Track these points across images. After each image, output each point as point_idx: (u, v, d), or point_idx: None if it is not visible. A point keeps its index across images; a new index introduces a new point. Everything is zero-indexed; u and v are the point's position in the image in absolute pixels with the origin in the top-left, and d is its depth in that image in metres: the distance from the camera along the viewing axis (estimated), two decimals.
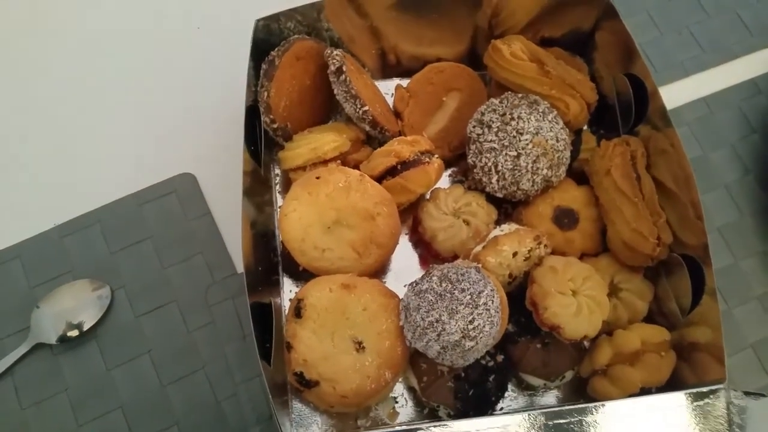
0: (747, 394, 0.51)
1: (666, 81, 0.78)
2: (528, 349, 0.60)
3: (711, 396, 0.52)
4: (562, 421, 0.49)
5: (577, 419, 0.49)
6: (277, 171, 0.71)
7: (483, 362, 0.60)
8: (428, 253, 0.68)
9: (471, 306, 0.54)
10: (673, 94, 0.78)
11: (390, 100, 0.74)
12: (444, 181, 0.73)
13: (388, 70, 0.77)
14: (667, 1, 0.83)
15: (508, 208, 0.70)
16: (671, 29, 0.81)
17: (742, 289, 0.70)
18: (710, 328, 0.56)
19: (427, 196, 0.69)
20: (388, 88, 0.75)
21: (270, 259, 0.66)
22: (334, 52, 0.65)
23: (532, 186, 0.65)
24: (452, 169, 0.74)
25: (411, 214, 0.70)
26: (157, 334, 0.65)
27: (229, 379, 0.64)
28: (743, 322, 0.69)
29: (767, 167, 0.75)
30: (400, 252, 0.69)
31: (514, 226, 0.62)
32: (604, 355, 0.58)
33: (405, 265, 0.69)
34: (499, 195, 0.66)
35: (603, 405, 0.51)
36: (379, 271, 0.66)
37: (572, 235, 0.65)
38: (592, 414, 0.50)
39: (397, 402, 0.63)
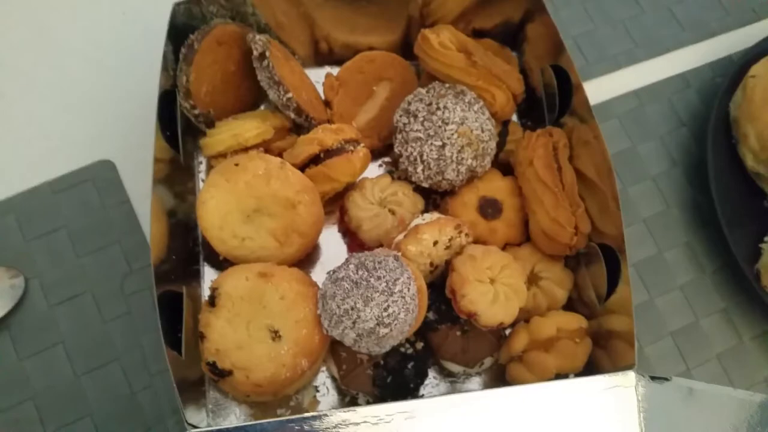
0: (653, 378, 0.52)
1: (598, 73, 0.79)
2: (447, 336, 0.60)
3: (621, 380, 0.52)
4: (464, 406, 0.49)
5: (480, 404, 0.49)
6: (202, 159, 0.70)
7: (402, 349, 0.60)
8: (354, 243, 0.67)
9: (386, 293, 0.53)
10: (605, 87, 0.79)
11: (321, 89, 0.74)
12: (376, 171, 0.72)
13: (320, 59, 0.76)
14: None
15: (437, 198, 0.70)
16: (605, 22, 0.82)
17: (666, 278, 0.71)
18: (624, 316, 0.57)
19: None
20: (319, 76, 0.74)
21: (190, 248, 0.65)
22: (257, 37, 0.64)
23: (457, 176, 0.65)
24: (384, 159, 0.73)
25: (339, 203, 0.69)
26: (72, 325, 0.63)
27: (144, 370, 0.62)
28: (665, 311, 0.70)
29: (694, 160, 0.76)
30: (329, 241, 0.69)
31: (435, 216, 0.62)
32: (520, 342, 0.58)
33: (333, 255, 0.68)
34: (425, 185, 0.66)
35: (510, 389, 0.51)
36: (303, 260, 0.65)
37: (496, 224, 0.65)
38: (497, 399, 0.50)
39: (318, 391, 0.63)
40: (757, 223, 0.72)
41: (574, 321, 0.60)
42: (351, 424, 0.48)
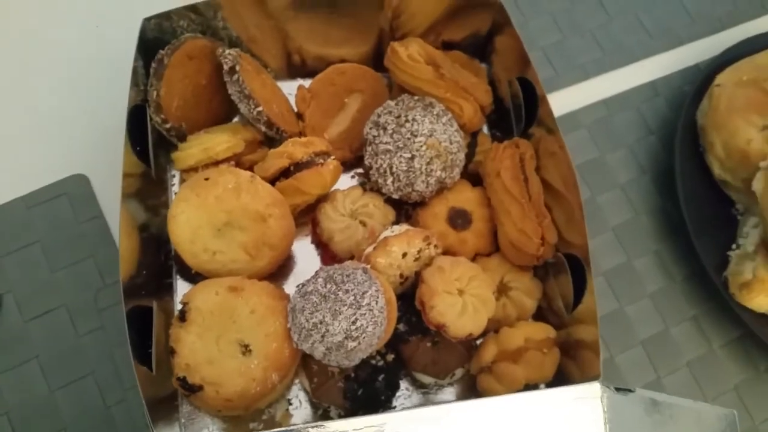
0: (617, 389, 0.52)
1: (567, 83, 0.80)
2: (418, 347, 0.61)
3: (587, 391, 0.53)
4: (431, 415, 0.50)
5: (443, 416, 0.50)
6: (175, 172, 0.70)
7: (373, 362, 0.61)
8: (326, 255, 0.68)
9: (354, 307, 0.54)
10: (574, 96, 0.80)
11: (293, 101, 0.74)
12: (348, 182, 0.73)
13: (292, 71, 0.76)
14: (570, 4, 0.84)
15: (408, 209, 0.71)
16: (574, 32, 0.83)
17: (635, 287, 0.72)
18: (591, 326, 0.58)
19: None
20: (292, 88, 0.75)
21: (163, 263, 0.65)
22: (227, 51, 0.65)
23: (427, 187, 0.65)
24: (356, 170, 0.74)
25: (312, 215, 0.69)
26: (46, 339, 0.64)
27: (118, 384, 0.63)
28: (635, 320, 0.71)
29: (662, 168, 0.77)
30: (301, 253, 0.69)
31: (404, 227, 0.63)
32: (489, 353, 0.59)
33: (306, 267, 0.69)
34: (395, 196, 0.67)
35: (479, 401, 0.52)
36: (276, 272, 0.66)
37: (466, 235, 0.66)
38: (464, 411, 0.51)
39: (291, 404, 0.63)
40: (725, 230, 0.73)
41: (542, 331, 0.61)
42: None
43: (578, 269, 0.60)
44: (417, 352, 0.61)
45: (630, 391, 0.52)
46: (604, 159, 0.77)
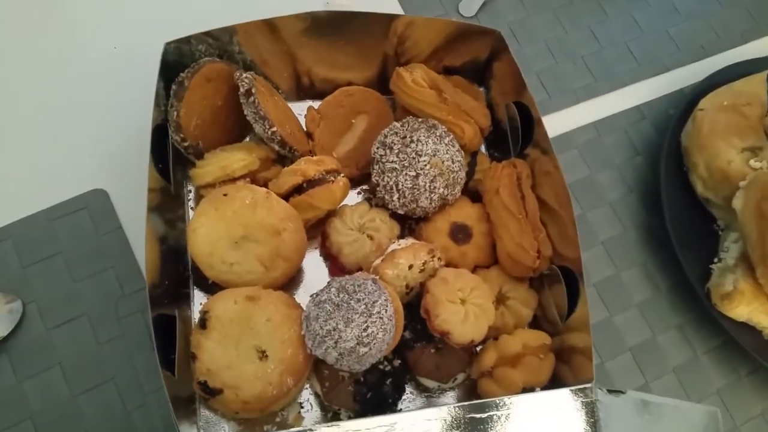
0: (610, 391, 0.57)
1: (560, 107, 0.85)
2: (423, 353, 0.65)
3: (580, 393, 0.57)
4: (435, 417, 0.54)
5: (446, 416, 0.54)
6: (191, 188, 0.74)
7: (381, 367, 0.65)
8: (335, 267, 0.72)
9: (365, 315, 0.58)
10: (566, 119, 0.85)
11: (303, 121, 0.79)
12: (355, 198, 0.77)
13: (301, 93, 0.81)
14: (563, 32, 0.90)
15: (412, 224, 0.75)
16: (567, 59, 0.89)
17: (624, 297, 0.77)
18: (584, 333, 0.62)
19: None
20: (301, 109, 0.79)
21: (181, 273, 0.69)
22: (243, 75, 0.69)
23: (430, 203, 0.70)
24: (362, 187, 0.78)
25: (321, 229, 0.73)
26: (68, 347, 0.67)
27: (138, 389, 0.66)
28: (623, 328, 0.76)
29: (649, 187, 0.83)
30: (311, 265, 0.73)
31: (410, 241, 0.67)
32: (489, 358, 0.63)
33: (315, 278, 0.73)
34: (401, 212, 0.71)
35: (480, 402, 0.56)
36: (287, 283, 0.70)
37: (466, 248, 0.70)
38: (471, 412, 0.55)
39: (302, 407, 0.67)
40: (707, 245, 0.78)
41: (539, 338, 0.65)
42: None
43: (571, 280, 0.65)
44: (422, 357, 0.65)
45: (621, 392, 0.57)
46: (593, 178, 0.82)
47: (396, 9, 0.88)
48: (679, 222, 0.77)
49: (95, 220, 0.72)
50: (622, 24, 0.92)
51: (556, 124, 0.84)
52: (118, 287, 0.70)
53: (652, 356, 0.75)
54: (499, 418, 0.55)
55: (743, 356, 0.75)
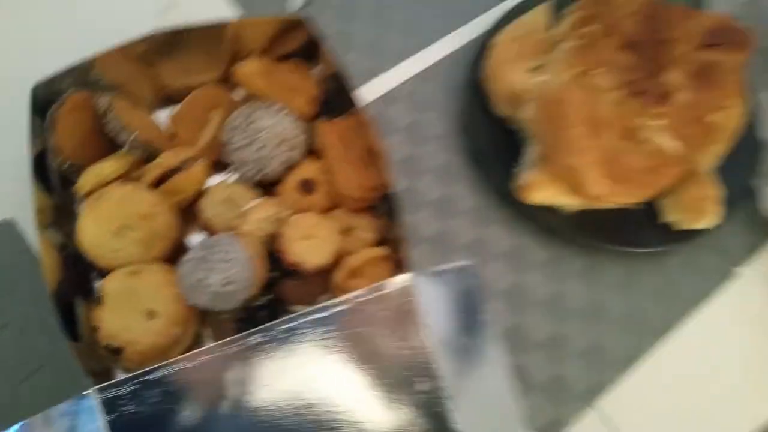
0: (429, 273, 0.71)
1: (385, 68, 1.00)
2: (288, 285, 0.80)
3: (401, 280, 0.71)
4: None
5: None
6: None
7: (255, 304, 0.79)
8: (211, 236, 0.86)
9: (224, 261, 0.72)
10: (391, 78, 1.00)
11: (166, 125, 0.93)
12: (218, 179, 0.91)
13: (163, 102, 0.95)
14: (382, 4, 1.05)
15: (269, 187, 0.89)
16: (387, 25, 1.04)
17: (452, 208, 0.93)
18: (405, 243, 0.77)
19: None
20: (165, 115, 0.93)
21: (84, 272, 0.83)
22: (100, 98, 0.83)
23: (278, 167, 0.84)
24: (226, 169, 0.92)
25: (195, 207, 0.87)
26: None
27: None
28: (453, 233, 0.91)
29: (464, 119, 0.98)
30: (192, 240, 0.87)
31: (263, 199, 0.82)
32: (340, 275, 0.78)
33: None
34: (256, 180, 0.85)
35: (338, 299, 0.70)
36: (173, 257, 0.83)
37: (313, 197, 0.85)
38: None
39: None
40: (511, 153, 0.93)
41: (376, 252, 0.80)
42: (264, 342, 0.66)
43: (392, 204, 0.79)
44: (288, 289, 0.79)
45: (438, 272, 0.71)
46: (420, 120, 0.97)
47: (229, 11, 1.02)
48: (486, 140, 0.93)
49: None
50: None
51: (385, 82, 0.99)
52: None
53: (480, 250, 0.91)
54: (343, 312, 0.70)
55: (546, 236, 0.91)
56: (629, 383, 0.86)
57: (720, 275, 0.93)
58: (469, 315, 0.70)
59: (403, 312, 0.69)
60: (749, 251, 0.95)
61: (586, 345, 0.87)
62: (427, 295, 0.69)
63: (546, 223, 0.90)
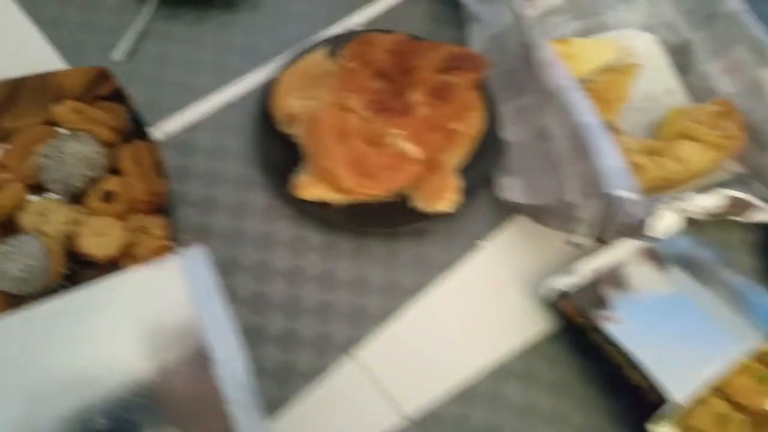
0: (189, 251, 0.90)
1: (185, 105, 1.23)
2: (85, 274, 0.98)
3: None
4: None
5: None
6: None
7: (57, 289, 0.97)
8: None
9: (20, 254, 0.91)
10: (191, 115, 1.22)
11: None
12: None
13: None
14: (193, 51, 1.28)
15: (81, 199, 1.08)
16: (194, 69, 1.26)
17: (241, 216, 1.13)
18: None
19: None
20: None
21: None
22: None
23: (83, 184, 1.04)
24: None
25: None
26: None
27: None
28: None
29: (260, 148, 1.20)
30: None
31: (66, 207, 1.01)
32: (127, 262, 0.97)
33: None
34: (68, 196, 1.05)
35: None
36: None
37: (114, 205, 1.04)
38: None
39: None
40: (293, 162, 1.15)
41: (162, 243, 0.99)
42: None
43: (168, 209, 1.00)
44: (85, 277, 0.98)
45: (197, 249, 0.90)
46: (221, 143, 1.19)
47: (57, 64, 1.23)
48: (275, 152, 1.15)
49: None
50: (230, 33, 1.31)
51: (193, 113, 1.21)
52: None
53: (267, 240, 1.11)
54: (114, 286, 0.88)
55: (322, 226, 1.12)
56: (384, 336, 1.06)
57: (466, 248, 1.15)
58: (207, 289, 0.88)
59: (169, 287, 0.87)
60: (490, 228, 1.18)
61: (351, 308, 1.07)
62: (186, 273, 0.88)
63: (320, 215, 1.11)
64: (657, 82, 1.35)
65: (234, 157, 1.18)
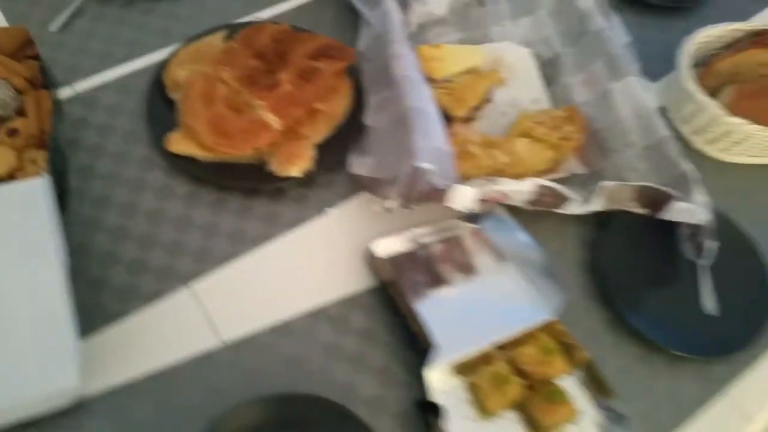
0: None
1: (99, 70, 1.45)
2: None
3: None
4: None
5: None
6: None
7: None
8: None
9: None
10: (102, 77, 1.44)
11: None
12: None
13: None
14: (122, 30, 1.51)
15: None
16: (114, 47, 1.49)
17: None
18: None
19: None
20: None
21: None
22: None
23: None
24: None
25: None
26: None
27: None
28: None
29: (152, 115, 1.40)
30: None
31: None
32: None
33: None
34: None
35: None
36: None
37: (16, 140, 1.25)
38: None
39: None
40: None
41: (42, 163, 1.19)
42: None
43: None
44: None
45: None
46: (118, 102, 1.40)
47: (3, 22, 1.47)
48: (161, 114, 1.35)
49: None
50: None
51: (98, 80, 1.43)
52: None
53: (140, 186, 1.30)
54: None
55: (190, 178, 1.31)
56: (221, 274, 1.22)
57: (314, 212, 1.31)
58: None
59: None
60: (340, 199, 1.34)
61: (198, 248, 1.24)
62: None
63: (187, 168, 1.30)
64: (526, 91, 1.50)
65: (128, 114, 1.39)
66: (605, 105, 1.38)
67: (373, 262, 1.22)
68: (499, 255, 1.24)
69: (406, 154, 1.16)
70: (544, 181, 1.21)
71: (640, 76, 1.39)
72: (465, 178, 1.22)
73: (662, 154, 1.27)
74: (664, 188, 1.20)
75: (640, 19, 1.73)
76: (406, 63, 1.28)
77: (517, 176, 1.34)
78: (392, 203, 1.17)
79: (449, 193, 1.14)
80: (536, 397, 1.10)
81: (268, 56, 1.36)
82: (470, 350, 1.10)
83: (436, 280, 1.19)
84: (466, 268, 1.22)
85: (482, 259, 1.24)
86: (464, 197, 1.15)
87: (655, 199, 1.22)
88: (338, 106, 1.36)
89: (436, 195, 1.15)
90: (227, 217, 1.29)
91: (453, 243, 1.25)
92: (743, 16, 1.74)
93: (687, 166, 1.24)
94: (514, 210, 1.27)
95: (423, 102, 1.25)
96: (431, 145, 1.18)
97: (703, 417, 1.16)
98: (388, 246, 1.22)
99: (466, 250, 1.25)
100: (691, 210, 1.19)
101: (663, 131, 1.28)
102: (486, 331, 1.13)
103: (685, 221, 1.21)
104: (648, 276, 1.28)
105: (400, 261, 1.20)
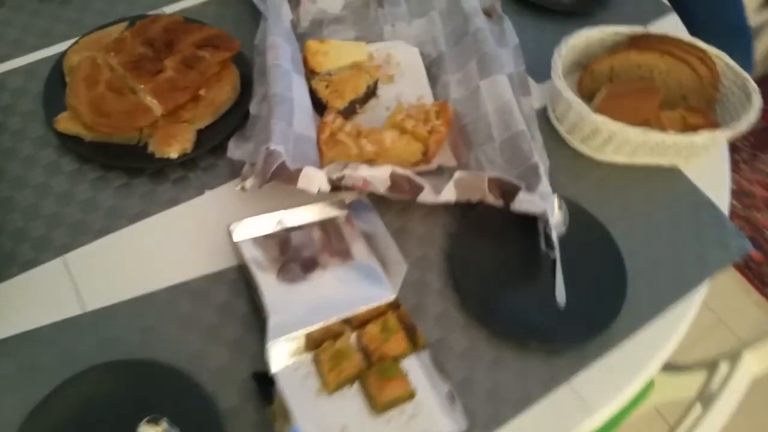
0: None
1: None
2: None
3: None
4: None
5: None
6: None
7: None
8: None
9: None
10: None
11: None
12: None
13: None
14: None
15: None
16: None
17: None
18: None
19: None
20: None
21: None
22: None
23: None
24: None
25: None
26: None
27: None
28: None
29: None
30: None
31: None
32: None
33: None
34: None
35: None
36: None
37: None
38: None
39: None
40: None
41: None
42: None
43: None
44: None
45: None
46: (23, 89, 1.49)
47: None
48: (55, 97, 1.44)
49: None
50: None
51: (9, 65, 1.52)
52: None
53: None
54: None
55: (73, 157, 1.39)
56: (94, 247, 1.30)
57: (193, 193, 1.39)
58: None
59: None
60: (220, 181, 1.41)
61: (76, 221, 1.33)
62: None
63: (74, 147, 1.39)
64: (412, 88, 1.57)
65: (31, 96, 1.49)
66: (474, 101, 1.45)
67: (230, 242, 1.29)
68: (369, 240, 1.31)
69: (264, 137, 1.24)
70: (398, 169, 1.28)
71: (517, 76, 1.46)
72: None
73: (516, 147, 1.33)
74: (509, 179, 1.26)
75: (539, 23, 1.80)
76: (278, 53, 1.36)
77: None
78: (249, 183, 1.25)
79: (300, 175, 1.22)
80: (371, 373, 1.17)
81: (157, 45, 1.45)
82: (305, 328, 1.16)
83: (309, 264, 1.25)
84: (343, 254, 1.28)
85: (358, 245, 1.30)
86: (314, 180, 1.23)
87: (506, 191, 1.29)
88: (222, 94, 1.45)
89: (287, 176, 1.22)
90: (106, 194, 1.37)
91: (330, 228, 1.32)
92: (642, 23, 1.80)
93: (537, 159, 1.30)
94: (387, 199, 1.34)
95: (290, 90, 1.33)
96: (291, 130, 1.26)
97: (545, 404, 1.18)
98: (251, 227, 1.29)
99: (343, 237, 1.31)
100: (533, 201, 1.25)
101: (520, 126, 1.35)
102: (326, 311, 1.19)
103: (529, 211, 1.27)
104: (503, 265, 1.34)
105: (261, 242, 1.27)
